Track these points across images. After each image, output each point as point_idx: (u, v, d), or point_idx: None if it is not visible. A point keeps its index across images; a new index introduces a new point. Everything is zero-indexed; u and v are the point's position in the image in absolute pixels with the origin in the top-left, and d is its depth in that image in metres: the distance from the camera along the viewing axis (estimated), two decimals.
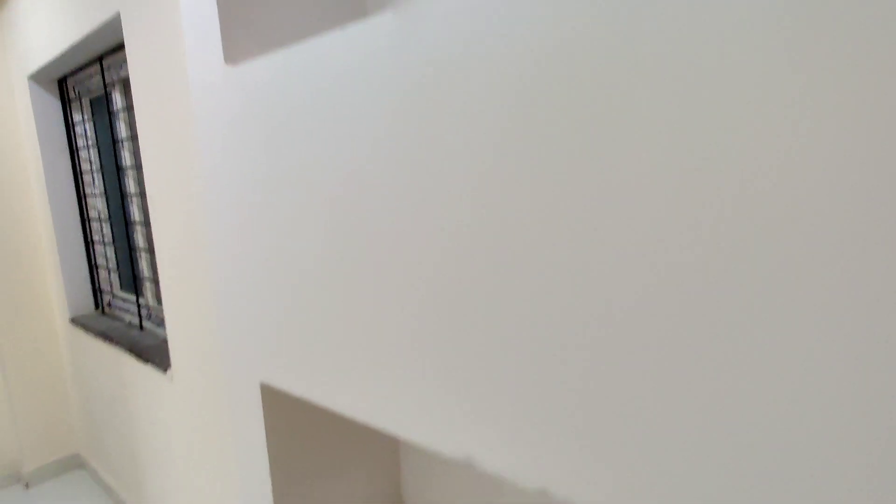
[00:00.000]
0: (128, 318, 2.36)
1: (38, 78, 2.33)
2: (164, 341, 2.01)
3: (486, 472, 0.51)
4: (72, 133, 2.45)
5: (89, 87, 2.30)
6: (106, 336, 2.17)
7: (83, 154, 2.45)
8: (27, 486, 2.61)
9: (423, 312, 0.54)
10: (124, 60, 1.90)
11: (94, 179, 2.47)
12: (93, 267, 2.55)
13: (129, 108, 2.01)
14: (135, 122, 2.06)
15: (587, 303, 0.42)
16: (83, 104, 2.40)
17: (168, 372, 1.73)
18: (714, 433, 0.37)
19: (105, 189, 2.43)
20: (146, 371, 1.91)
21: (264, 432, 0.77)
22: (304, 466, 0.83)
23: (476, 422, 0.51)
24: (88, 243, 2.53)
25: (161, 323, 2.12)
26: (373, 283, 0.58)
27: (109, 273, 2.53)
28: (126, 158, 2.10)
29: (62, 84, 2.40)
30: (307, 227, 0.63)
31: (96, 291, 2.57)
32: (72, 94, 2.40)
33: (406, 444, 0.98)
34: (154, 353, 1.90)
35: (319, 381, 0.66)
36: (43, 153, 2.37)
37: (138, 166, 2.06)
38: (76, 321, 2.45)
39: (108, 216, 2.45)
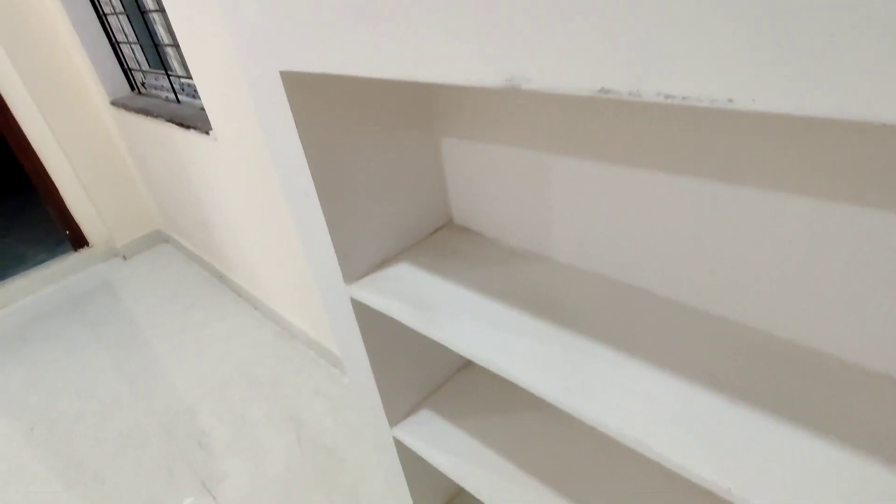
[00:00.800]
0: (163, 94, 2.31)
1: None
2: (201, 109, 1.97)
3: (535, 91, 0.43)
4: None
5: None
6: (146, 112, 2.15)
7: None
8: (125, 258, 2.94)
9: None
10: None
11: None
12: (115, 45, 2.43)
13: None
14: None
15: None
16: None
17: (210, 133, 1.72)
18: None
19: None
20: (191, 137, 1.92)
21: (294, 125, 0.73)
22: (344, 170, 0.81)
23: (515, 33, 0.42)
24: (101, 16, 2.37)
25: (195, 94, 2.07)
26: None
27: (133, 49, 2.41)
28: None
29: None
30: None
31: (127, 72, 2.50)
32: None
33: (451, 157, 0.93)
34: (194, 120, 1.88)
35: (340, 49, 0.57)
36: None
37: None
38: (116, 103, 2.43)
39: None
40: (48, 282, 2.81)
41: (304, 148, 0.75)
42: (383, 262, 0.92)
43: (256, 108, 0.78)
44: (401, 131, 0.87)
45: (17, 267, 2.91)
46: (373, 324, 0.94)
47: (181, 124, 1.91)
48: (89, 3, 2.33)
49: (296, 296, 1.91)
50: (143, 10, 1.99)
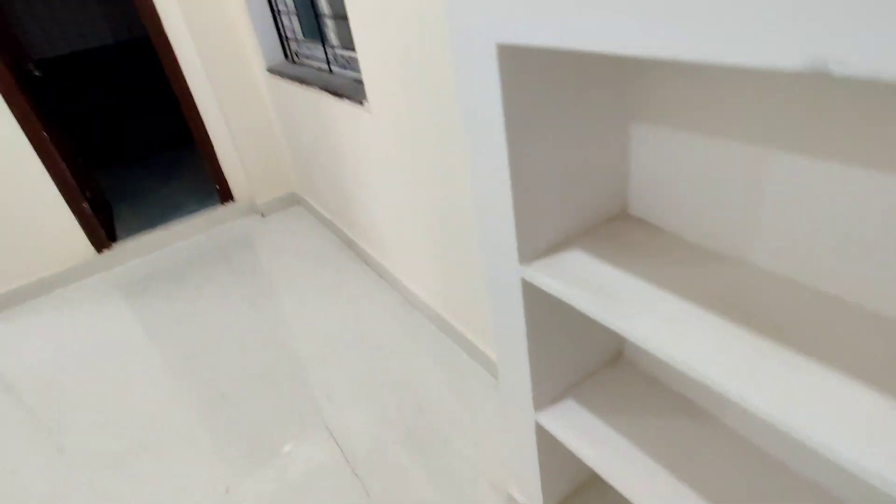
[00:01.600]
0: (315, 64, 2.44)
1: None
2: (354, 81, 2.05)
3: (853, 77, 0.38)
4: None
5: None
6: (301, 80, 2.29)
7: None
8: (263, 215, 3.19)
9: None
10: None
11: None
12: (275, 14, 2.60)
13: None
14: None
15: None
16: None
17: (364, 104, 1.79)
18: None
19: None
20: (343, 107, 2.00)
21: (500, 98, 0.72)
22: (536, 147, 0.79)
23: None
24: None
25: (347, 66, 2.15)
26: None
27: (290, 18, 2.56)
28: None
29: None
30: None
31: (283, 41, 2.66)
32: None
33: (638, 144, 0.88)
34: (348, 90, 1.96)
35: (572, 20, 0.55)
36: None
37: None
38: (272, 70, 2.61)
39: None
40: (199, 230, 3.12)
41: (505, 121, 0.74)
42: (555, 246, 0.90)
43: (460, 80, 0.78)
44: (593, 112, 0.84)
45: (174, 213, 3.25)
46: (538, 308, 0.93)
47: (335, 93, 2.00)
48: None
49: (425, 270, 1.96)
50: None
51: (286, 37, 2.63)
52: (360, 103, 1.81)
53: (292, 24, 2.58)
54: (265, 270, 2.65)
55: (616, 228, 0.93)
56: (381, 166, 1.92)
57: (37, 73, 2.91)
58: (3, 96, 2.41)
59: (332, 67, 2.25)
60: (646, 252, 0.85)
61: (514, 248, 0.85)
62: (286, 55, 2.70)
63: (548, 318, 0.96)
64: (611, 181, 0.92)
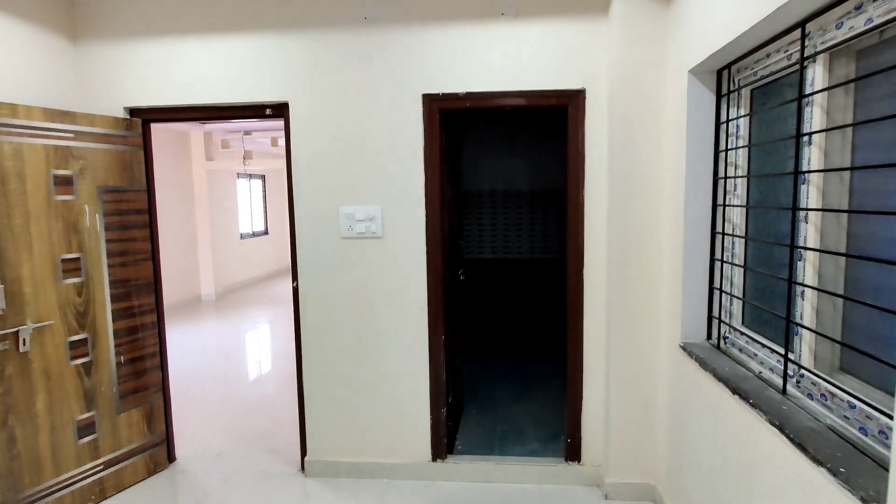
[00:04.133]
0: (754, 366, 1.82)
1: (697, 70, 2.06)
2: (832, 431, 1.33)
3: None
4: (718, 131, 2.09)
5: (756, 74, 1.84)
6: (732, 387, 1.69)
7: (728, 156, 2.05)
8: (606, 497, 2.55)
9: None
10: (847, 13, 1.27)
11: (735, 186, 2.03)
12: (711, 290, 2.15)
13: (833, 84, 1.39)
14: (843, 106, 1.43)
15: None
16: (741, 96, 1.98)
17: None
18: None
19: (747, 198, 1.96)
20: (802, 468, 1.28)
21: None
22: None
23: None
24: (712, 260, 2.14)
25: (817, 397, 1.46)
26: None
27: (731, 300, 2.07)
28: (811, 159, 1.51)
29: (720, 75, 2.05)
30: None
31: (710, 319, 2.17)
32: (730, 86, 2.02)
33: None
34: (822, 449, 1.25)
35: None
36: (688, 154, 2.10)
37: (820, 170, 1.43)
38: (687, 348, 2.11)
39: (744, 231, 1.98)
40: (531, 478, 2.69)
41: None
42: None
43: None
44: None
45: (513, 443, 2.96)
46: None
47: (794, 441, 1.31)
48: (707, 246, 2.15)
49: None
50: (792, 279, 1.57)
51: (717, 316, 2.13)
52: (861, 499, 1.07)
53: (731, 307, 2.08)
54: None
55: None
56: None
57: (462, 277, 3.23)
58: (429, 298, 2.64)
59: (789, 387, 1.58)
60: None
61: None
62: (709, 335, 2.18)
63: None
64: None
